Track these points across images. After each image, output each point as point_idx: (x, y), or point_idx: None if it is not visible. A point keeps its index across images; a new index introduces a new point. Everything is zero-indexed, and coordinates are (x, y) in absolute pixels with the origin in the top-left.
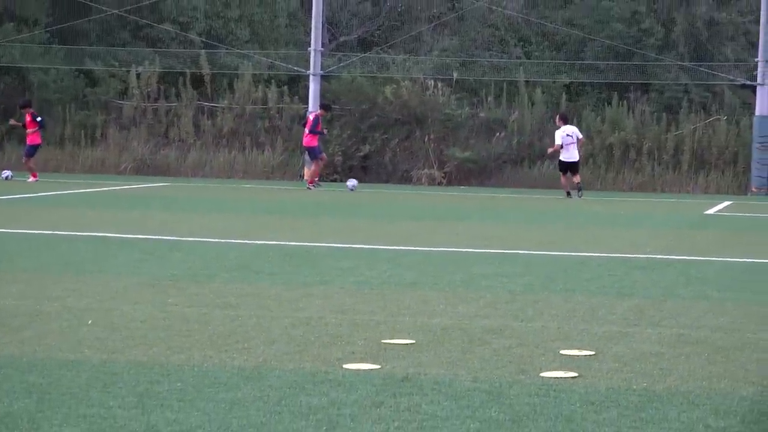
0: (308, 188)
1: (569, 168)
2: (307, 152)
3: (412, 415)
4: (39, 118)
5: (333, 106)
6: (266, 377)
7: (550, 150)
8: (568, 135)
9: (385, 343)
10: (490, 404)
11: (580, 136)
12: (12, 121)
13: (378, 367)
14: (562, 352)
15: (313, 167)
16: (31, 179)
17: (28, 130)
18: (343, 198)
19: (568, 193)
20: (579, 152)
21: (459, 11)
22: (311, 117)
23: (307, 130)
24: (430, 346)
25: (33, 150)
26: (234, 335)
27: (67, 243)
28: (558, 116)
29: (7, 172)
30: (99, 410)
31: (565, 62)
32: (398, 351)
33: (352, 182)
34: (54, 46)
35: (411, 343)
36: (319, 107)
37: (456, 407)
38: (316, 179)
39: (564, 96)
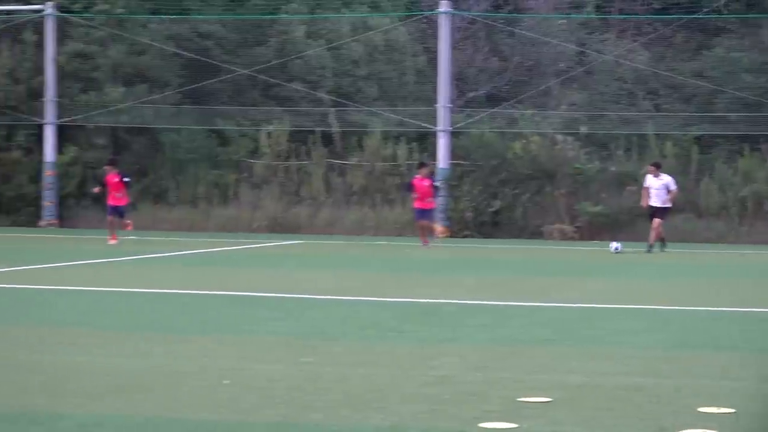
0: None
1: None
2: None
3: None
4: (126, 179)
5: (428, 163)
6: None
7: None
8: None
9: (521, 401)
10: None
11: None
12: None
13: (515, 426)
14: (700, 409)
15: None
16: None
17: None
18: (473, 254)
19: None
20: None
21: (586, 65)
22: (427, 183)
23: (414, 195)
24: (567, 404)
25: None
26: (369, 394)
27: (201, 301)
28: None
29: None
30: None
31: (695, 114)
32: (535, 409)
33: (615, 245)
34: (185, 106)
35: (547, 401)
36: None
37: None
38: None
39: (695, 148)
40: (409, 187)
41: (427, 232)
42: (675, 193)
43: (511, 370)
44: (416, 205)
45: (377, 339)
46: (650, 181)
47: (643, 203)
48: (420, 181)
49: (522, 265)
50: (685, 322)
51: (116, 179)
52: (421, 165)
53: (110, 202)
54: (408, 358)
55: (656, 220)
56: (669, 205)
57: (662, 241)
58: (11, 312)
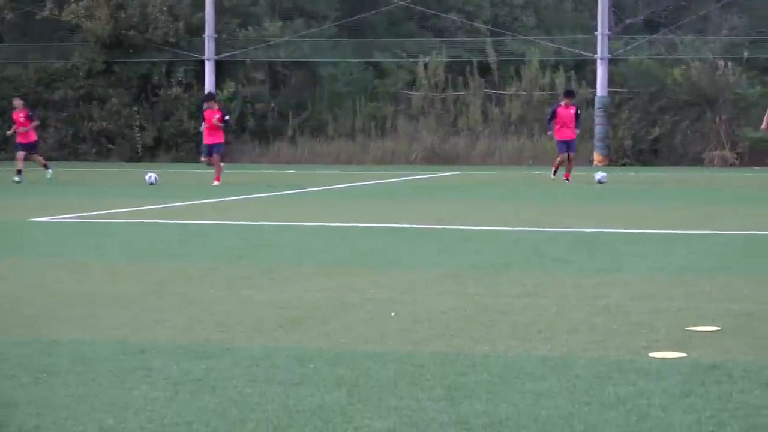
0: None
1: None
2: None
3: (722, 404)
4: (227, 117)
5: (574, 91)
6: (571, 367)
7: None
8: None
9: (689, 330)
10: None
11: None
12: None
13: (684, 355)
14: None
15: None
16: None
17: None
18: (634, 182)
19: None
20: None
21: None
22: (573, 111)
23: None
24: (737, 332)
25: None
26: (536, 324)
27: (363, 234)
28: None
29: (151, 176)
30: (409, 402)
31: None
32: (704, 338)
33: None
34: (343, 39)
35: (717, 330)
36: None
37: None
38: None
39: None
40: (553, 115)
41: (571, 165)
42: None
43: (677, 299)
44: (558, 136)
45: (540, 269)
46: None
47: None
48: (565, 109)
49: (683, 192)
50: None
51: (218, 114)
52: (568, 93)
53: (205, 140)
54: (572, 288)
55: None
56: None
57: None
58: (180, 247)
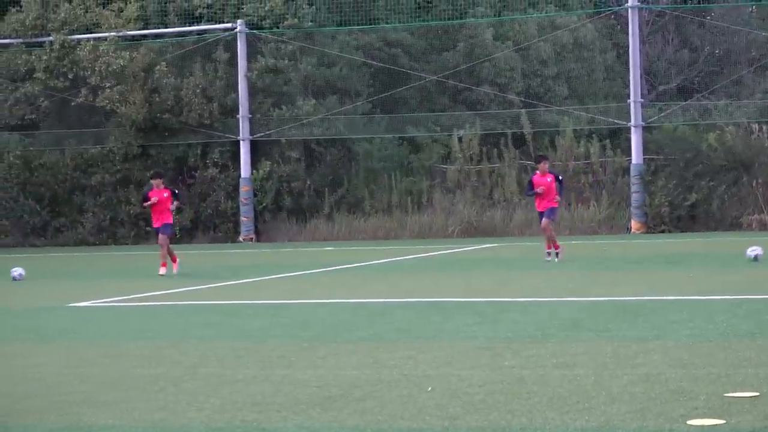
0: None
1: None
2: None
3: None
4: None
5: (546, 155)
6: None
7: None
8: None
9: (728, 396)
10: None
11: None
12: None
13: (723, 422)
14: None
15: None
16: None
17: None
18: (670, 249)
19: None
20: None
21: None
22: (549, 179)
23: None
24: None
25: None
26: (573, 395)
27: (399, 310)
28: None
29: (16, 271)
30: None
31: None
32: (743, 404)
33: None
34: (376, 115)
35: (755, 396)
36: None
37: None
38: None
39: None
40: (530, 186)
41: (553, 238)
42: None
43: (716, 365)
44: (538, 207)
45: (578, 339)
46: None
47: None
48: (541, 177)
49: (722, 258)
50: None
51: (166, 194)
52: (539, 158)
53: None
54: (611, 357)
55: None
56: None
57: None
58: (213, 328)
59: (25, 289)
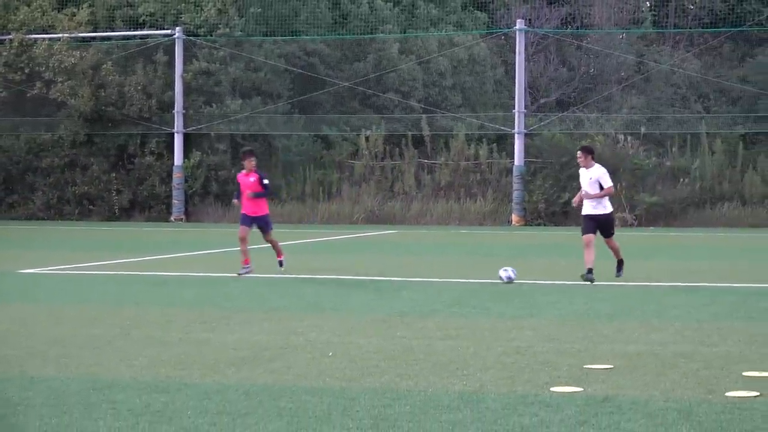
0: None
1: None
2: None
3: None
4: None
5: (253, 150)
6: (483, 400)
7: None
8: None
9: (586, 368)
10: (681, 422)
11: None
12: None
13: (581, 389)
14: (745, 373)
15: None
16: None
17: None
18: (545, 240)
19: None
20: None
21: (644, 73)
22: (254, 179)
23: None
24: (627, 370)
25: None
26: (454, 363)
27: (308, 285)
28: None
29: None
30: (340, 431)
31: (740, 115)
32: (598, 375)
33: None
34: (295, 115)
35: (610, 368)
36: None
37: (651, 425)
38: None
39: (740, 145)
40: (237, 188)
41: (246, 251)
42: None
43: (578, 341)
44: (243, 209)
45: (461, 315)
46: None
47: None
48: (245, 177)
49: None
50: (735, 296)
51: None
52: (246, 154)
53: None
54: (489, 331)
55: None
56: None
57: None
58: (145, 295)
59: None
